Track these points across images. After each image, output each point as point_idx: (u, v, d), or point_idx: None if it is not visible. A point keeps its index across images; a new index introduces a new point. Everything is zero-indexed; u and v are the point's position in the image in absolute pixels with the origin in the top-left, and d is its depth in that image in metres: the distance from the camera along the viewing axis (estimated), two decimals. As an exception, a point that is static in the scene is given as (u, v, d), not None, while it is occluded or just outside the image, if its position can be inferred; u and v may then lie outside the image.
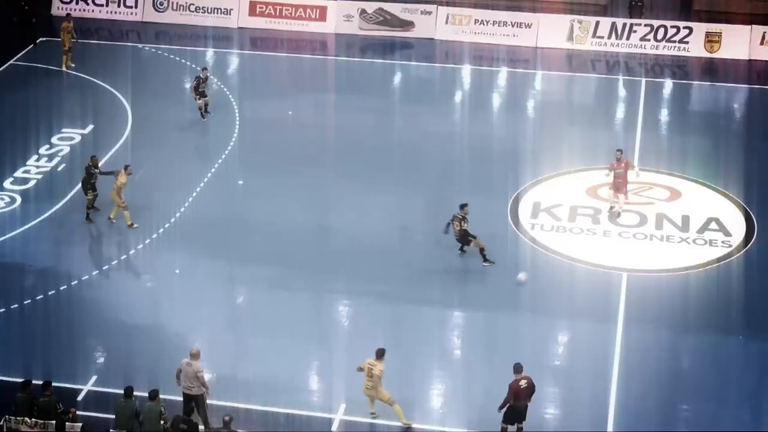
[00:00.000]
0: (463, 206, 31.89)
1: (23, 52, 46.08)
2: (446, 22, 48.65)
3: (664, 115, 42.50)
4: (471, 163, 37.89)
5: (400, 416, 25.82)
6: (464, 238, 31.91)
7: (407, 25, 48.79)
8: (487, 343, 28.93)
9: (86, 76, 43.84)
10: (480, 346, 28.81)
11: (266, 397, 26.73)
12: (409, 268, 32.04)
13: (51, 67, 44.78)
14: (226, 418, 24.11)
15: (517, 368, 24.93)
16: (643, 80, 45.05)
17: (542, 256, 32.59)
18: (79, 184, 34.51)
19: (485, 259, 31.93)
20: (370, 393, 25.79)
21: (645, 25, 47.71)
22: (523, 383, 24.79)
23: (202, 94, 40.25)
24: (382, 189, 36.15)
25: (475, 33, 48.33)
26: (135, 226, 33.45)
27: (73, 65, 44.39)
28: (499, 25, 48.20)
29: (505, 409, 24.84)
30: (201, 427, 24.96)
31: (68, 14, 45.92)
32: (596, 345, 28.86)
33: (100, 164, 34.60)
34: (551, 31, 47.91)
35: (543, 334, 29.30)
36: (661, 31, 47.44)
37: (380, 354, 25.61)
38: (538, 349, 28.63)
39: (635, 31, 47.64)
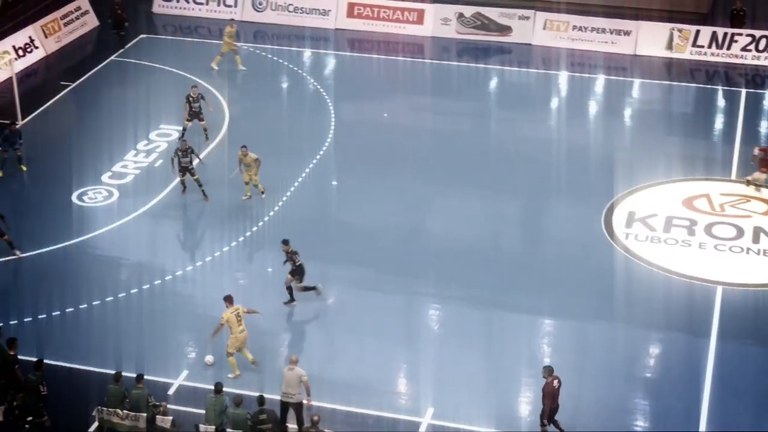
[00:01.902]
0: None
1: (123, 48, 46.69)
2: (544, 28, 48.38)
3: (764, 126, 41.79)
4: (566, 170, 37.63)
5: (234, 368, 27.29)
6: None
7: (505, 29, 48.61)
8: (578, 351, 28.72)
9: (185, 74, 44.28)
10: (570, 354, 28.56)
11: (354, 398, 26.79)
12: (500, 273, 31.93)
13: (150, 64, 45.35)
14: (315, 417, 24.22)
15: (549, 370, 25.20)
16: (743, 91, 44.38)
17: (636, 267, 32.25)
18: (175, 180, 35.01)
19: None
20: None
21: (746, 35, 47.00)
22: (556, 383, 25.08)
23: (196, 116, 38.54)
24: (475, 193, 36.06)
25: (573, 39, 47.99)
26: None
27: (215, 67, 44.85)
28: (597, 32, 47.81)
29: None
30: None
31: (232, 19, 46.41)
32: (689, 358, 28.50)
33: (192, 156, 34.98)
34: (650, 38, 47.40)
35: (635, 345, 28.98)
36: (763, 41, 46.69)
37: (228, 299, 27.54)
38: (629, 359, 28.38)
39: (736, 41, 46.96)
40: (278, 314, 29.97)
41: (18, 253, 32.13)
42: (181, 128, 38.85)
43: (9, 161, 36.82)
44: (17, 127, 37.90)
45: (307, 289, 30.47)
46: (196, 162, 35.48)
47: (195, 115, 38.57)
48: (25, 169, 37.05)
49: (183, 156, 35.03)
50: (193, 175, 35.17)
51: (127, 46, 46.87)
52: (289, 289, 30.38)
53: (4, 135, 36.97)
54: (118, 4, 46.87)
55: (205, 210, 34.86)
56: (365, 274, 31.78)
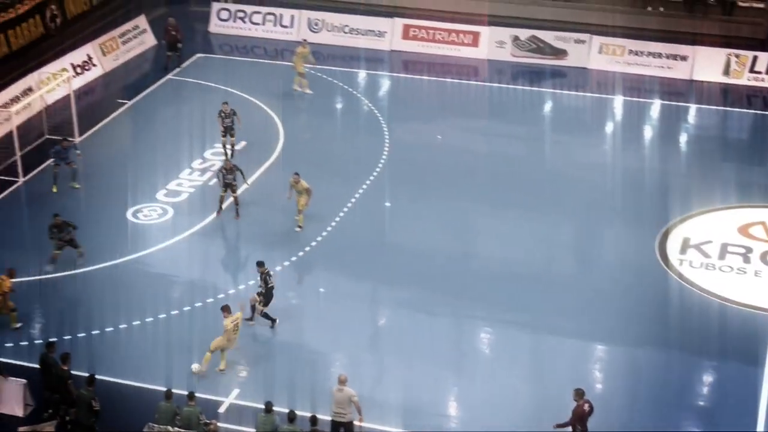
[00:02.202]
0: None
1: (180, 67, 47.02)
2: (600, 52, 48.21)
3: (821, 154, 41.45)
4: (620, 194, 37.44)
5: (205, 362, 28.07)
6: None
7: (560, 53, 48.51)
8: (629, 378, 28.56)
9: (240, 93, 44.55)
10: (621, 381, 28.42)
11: (404, 419, 26.73)
12: (551, 297, 31.78)
13: (206, 83, 45.63)
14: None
15: (580, 393, 25.08)
16: (801, 118, 44.12)
17: (690, 294, 31.98)
18: (229, 199, 35.26)
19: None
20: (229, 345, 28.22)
21: (804, 62, 46.67)
22: (586, 407, 24.96)
23: (228, 130, 38.87)
24: (528, 216, 35.96)
25: (629, 63, 47.79)
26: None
27: (298, 89, 44.78)
28: (653, 57, 47.59)
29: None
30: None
31: (304, 39, 46.24)
32: (742, 387, 28.15)
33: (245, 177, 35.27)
34: (707, 64, 47.08)
35: (688, 373, 28.76)
36: (822, 68, 46.37)
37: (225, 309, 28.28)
38: (682, 387, 28.14)
39: (794, 68, 46.64)
40: (327, 333, 30.01)
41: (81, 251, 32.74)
42: (221, 145, 39.11)
43: (62, 177, 37.16)
44: (71, 142, 38.24)
45: (266, 317, 30.32)
46: (241, 183, 35.83)
47: (227, 130, 38.88)
48: (77, 186, 37.40)
49: (227, 173, 35.34)
50: (234, 192, 35.42)
51: (183, 65, 47.17)
52: (253, 307, 30.40)
53: (55, 150, 37.36)
54: (172, 25, 47.15)
55: (257, 230, 35.00)
56: (416, 296, 31.74)
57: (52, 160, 37.45)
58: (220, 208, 35.69)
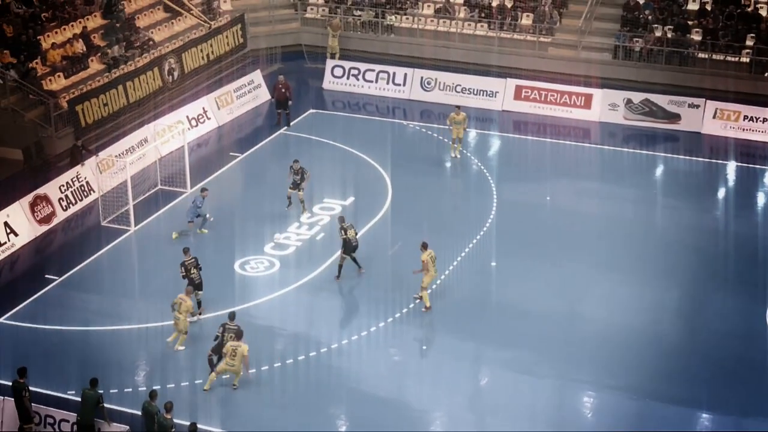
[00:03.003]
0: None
1: (290, 125, 47.47)
2: (714, 117, 47.68)
3: None
4: (731, 261, 36.86)
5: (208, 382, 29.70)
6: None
7: (673, 117, 48.08)
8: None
9: (351, 149, 44.92)
10: (727, 451, 27.90)
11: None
12: (658, 363, 31.34)
13: (318, 138, 46.03)
14: None
15: None
16: None
17: (800, 363, 31.37)
18: (335, 254, 35.54)
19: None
20: (232, 370, 29.68)
21: None
22: None
23: (295, 186, 39.41)
24: (637, 280, 35.55)
25: (744, 129, 47.17)
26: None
27: (456, 156, 44.61)
28: (769, 123, 47.03)
29: None
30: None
31: (458, 106, 45.25)
32: None
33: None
34: (824, 131, 46.36)
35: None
36: None
37: (240, 335, 29.83)
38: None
39: None
40: (428, 391, 29.91)
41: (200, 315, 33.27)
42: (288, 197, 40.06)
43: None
44: (207, 192, 38.92)
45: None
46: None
47: (295, 186, 39.48)
48: (206, 231, 38.44)
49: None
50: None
51: (294, 122, 47.65)
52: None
53: (196, 201, 38.28)
54: (282, 83, 47.72)
55: (362, 284, 35.12)
56: (520, 356, 31.48)
57: (191, 216, 38.31)
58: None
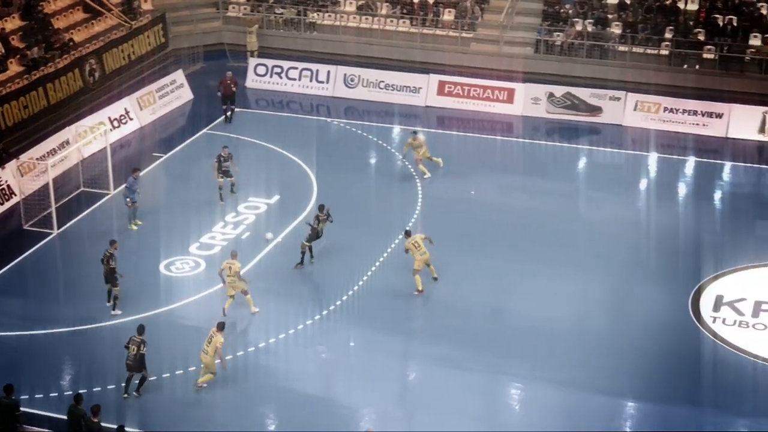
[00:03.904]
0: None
1: (216, 121, 47.34)
2: (635, 109, 48.20)
3: None
4: (654, 252, 37.28)
5: (206, 380, 29.57)
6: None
7: (595, 110, 48.52)
8: (662, 437, 28.33)
9: (275, 147, 44.81)
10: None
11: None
12: (585, 355, 31.59)
13: (242, 137, 45.86)
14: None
15: None
16: (838, 176, 43.88)
17: (723, 352, 31.71)
18: (261, 253, 35.43)
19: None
20: (204, 359, 29.48)
21: (842, 120, 46.46)
22: None
23: (226, 174, 40.11)
24: (562, 273, 35.80)
25: (664, 121, 47.74)
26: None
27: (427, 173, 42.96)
28: (689, 114, 47.53)
29: None
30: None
31: (415, 132, 43.79)
32: (776, 447, 27.93)
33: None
34: (743, 121, 46.93)
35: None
36: None
37: (221, 327, 29.54)
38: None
39: (831, 126, 46.44)
40: (357, 388, 29.92)
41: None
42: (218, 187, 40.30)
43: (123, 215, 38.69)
44: (139, 171, 39.34)
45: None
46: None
47: (225, 173, 39.97)
48: (139, 223, 38.73)
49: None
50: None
51: (218, 120, 47.44)
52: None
53: (129, 182, 38.52)
54: (230, 79, 47.72)
55: (289, 282, 35.03)
56: (448, 352, 31.58)
57: (125, 196, 38.43)
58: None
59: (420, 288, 34.17)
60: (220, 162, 39.99)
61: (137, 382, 29.42)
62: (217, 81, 48.27)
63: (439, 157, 42.91)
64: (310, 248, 36.01)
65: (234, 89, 47.71)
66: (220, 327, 29.63)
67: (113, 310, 33.05)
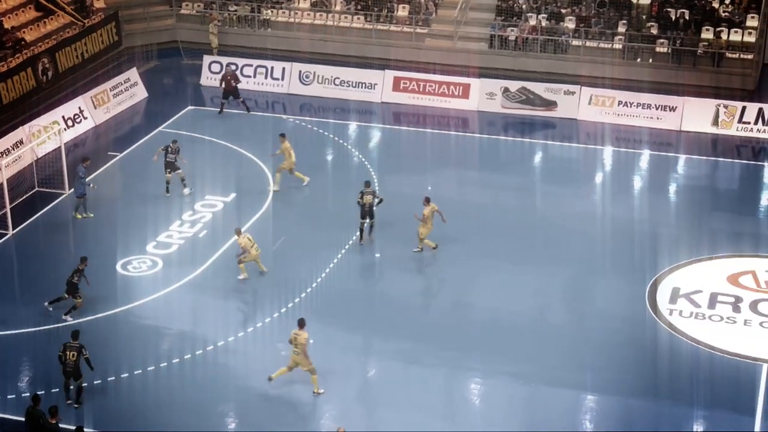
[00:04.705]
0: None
1: (171, 119, 47.14)
2: (589, 103, 48.43)
3: (811, 203, 41.55)
4: (610, 245, 37.49)
5: (314, 384, 29.21)
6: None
7: (550, 104, 48.72)
8: (622, 428, 28.40)
9: (231, 145, 44.68)
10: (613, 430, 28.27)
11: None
12: (544, 348, 31.72)
13: (197, 135, 45.70)
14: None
15: None
16: (790, 167, 44.29)
17: (680, 343, 31.95)
18: (219, 251, 35.35)
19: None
20: (296, 359, 29.17)
21: (794, 111, 46.90)
22: None
23: (173, 167, 40.28)
24: (521, 268, 35.94)
25: (618, 114, 47.99)
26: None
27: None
28: (643, 108, 47.80)
29: None
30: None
31: (282, 134, 42.31)
32: (734, 437, 28.15)
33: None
34: (696, 114, 47.28)
35: (679, 423, 28.68)
36: (811, 117, 46.60)
37: (301, 323, 29.27)
38: (673, 437, 28.07)
39: (783, 117, 46.87)
40: (320, 386, 29.86)
41: (68, 318, 32.69)
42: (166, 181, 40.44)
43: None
44: (88, 160, 39.56)
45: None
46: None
47: (170, 165, 40.21)
48: (91, 215, 38.95)
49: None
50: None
51: (174, 118, 47.26)
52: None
53: (81, 171, 38.70)
54: (230, 74, 48.28)
55: (248, 281, 34.91)
56: (408, 347, 31.61)
57: (80, 191, 38.65)
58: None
59: (434, 245, 36.24)
60: (166, 152, 40.26)
61: (75, 390, 29.08)
62: (171, 78, 48.12)
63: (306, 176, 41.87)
64: (363, 226, 37.13)
65: (234, 84, 48.18)
66: (301, 324, 29.39)
67: (66, 315, 32.74)
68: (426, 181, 42.12)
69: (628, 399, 29.62)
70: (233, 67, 49.29)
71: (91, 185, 39.14)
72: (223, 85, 48.36)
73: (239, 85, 48.54)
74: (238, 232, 35.05)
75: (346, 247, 36.94)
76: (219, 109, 48.48)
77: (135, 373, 30.22)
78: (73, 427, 26.01)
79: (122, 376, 30.14)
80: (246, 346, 31.92)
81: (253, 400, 29.44)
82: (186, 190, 40.13)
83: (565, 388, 30.00)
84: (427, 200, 36.32)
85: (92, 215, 38.63)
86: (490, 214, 39.70)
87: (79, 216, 38.57)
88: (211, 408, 29.02)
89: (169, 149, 40.21)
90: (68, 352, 28.87)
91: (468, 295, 34.49)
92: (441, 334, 32.29)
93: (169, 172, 40.14)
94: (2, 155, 41.27)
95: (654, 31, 51.34)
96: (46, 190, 40.46)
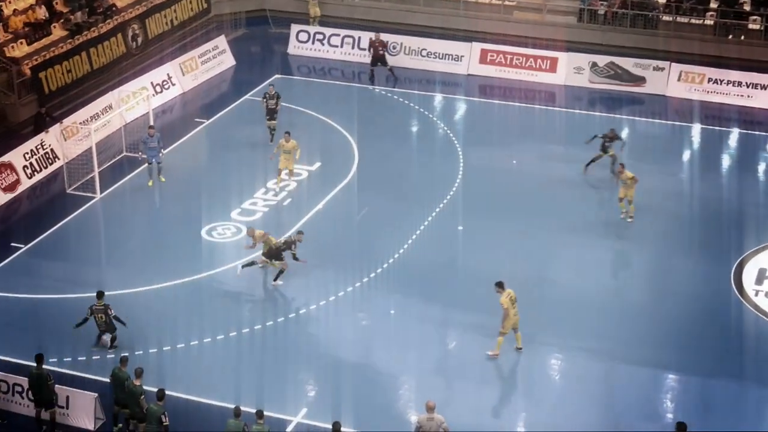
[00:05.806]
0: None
1: (258, 87, 47.34)
2: (678, 80, 47.82)
3: None
4: (696, 223, 37.08)
5: (518, 341, 29.97)
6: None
7: (638, 80, 48.19)
8: (702, 410, 28.12)
9: (317, 115, 44.80)
10: (694, 413, 27.81)
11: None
12: (624, 325, 31.50)
13: (284, 104, 45.76)
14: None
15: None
16: None
17: (765, 324, 31.54)
18: (303, 219, 35.50)
19: None
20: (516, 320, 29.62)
21: None
22: None
23: (271, 114, 41.63)
24: (603, 244, 35.71)
25: (708, 92, 47.33)
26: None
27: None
28: (733, 85, 47.10)
29: None
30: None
31: (287, 132, 39.95)
32: (817, 421, 27.77)
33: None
34: (788, 93, 46.58)
35: (762, 406, 28.36)
36: None
37: (500, 285, 29.72)
38: (756, 420, 27.74)
39: None
40: (396, 355, 29.97)
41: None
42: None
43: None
44: (154, 129, 39.61)
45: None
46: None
47: (270, 112, 41.18)
48: (164, 179, 39.23)
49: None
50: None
51: (260, 87, 47.42)
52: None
53: (144, 140, 39.14)
54: (379, 41, 48.73)
55: (331, 250, 35.07)
56: (487, 320, 31.38)
57: (141, 153, 39.28)
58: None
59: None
60: (266, 100, 41.58)
61: (108, 340, 29.76)
62: (258, 46, 48.33)
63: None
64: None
65: (382, 52, 48.70)
66: (500, 285, 29.86)
67: (275, 280, 33.20)
68: (511, 154, 41.93)
69: (710, 380, 29.31)
70: (376, 34, 49.41)
71: (140, 154, 39.58)
72: (372, 52, 48.66)
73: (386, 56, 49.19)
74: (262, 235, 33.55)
75: (429, 218, 36.90)
76: (369, 76, 48.84)
77: (218, 338, 30.52)
78: (156, 390, 26.29)
79: (205, 340, 30.45)
80: (327, 315, 32.06)
81: (332, 368, 29.59)
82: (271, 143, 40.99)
83: (645, 366, 29.76)
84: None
85: (163, 179, 39.07)
86: (574, 190, 39.39)
87: (151, 183, 38.84)
88: (291, 375, 29.22)
89: (267, 95, 41.07)
90: (96, 315, 29.42)
91: (549, 270, 34.32)
92: (521, 308, 31.81)
93: (269, 119, 41.17)
94: (92, 120, 41.83)
95: (747, 8, 50.51)
96: (134, 155, 40.91)
